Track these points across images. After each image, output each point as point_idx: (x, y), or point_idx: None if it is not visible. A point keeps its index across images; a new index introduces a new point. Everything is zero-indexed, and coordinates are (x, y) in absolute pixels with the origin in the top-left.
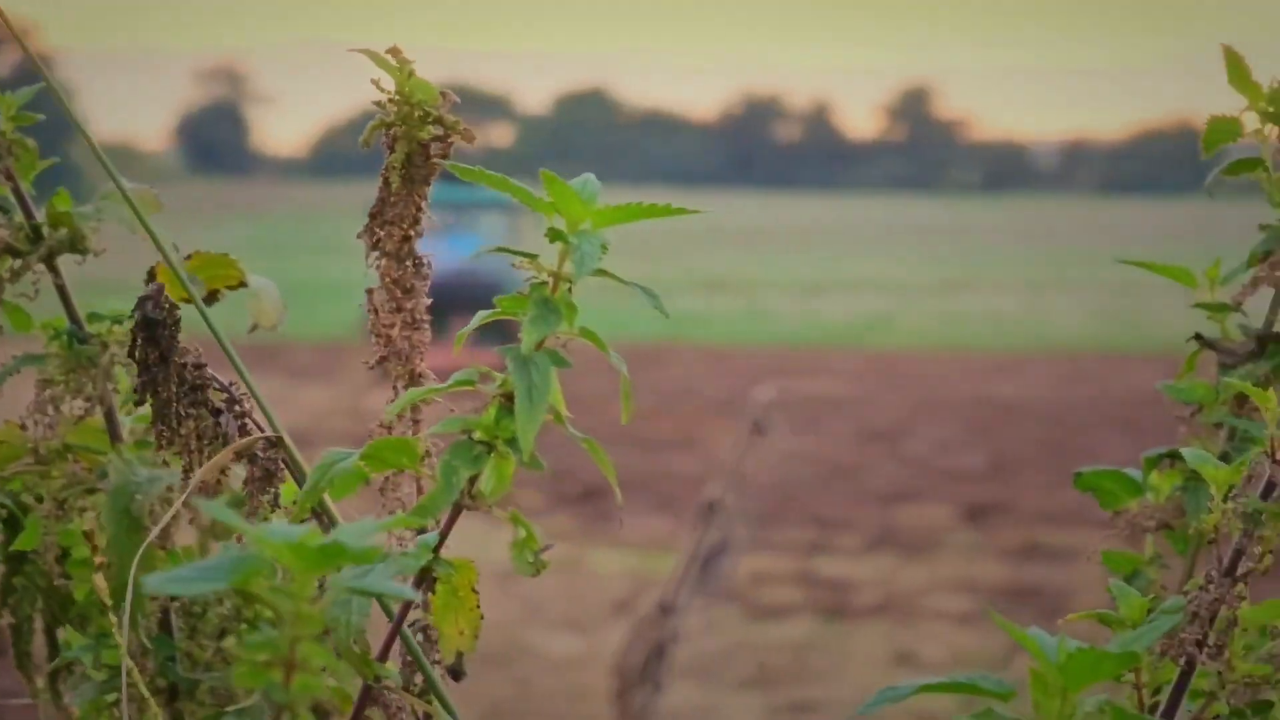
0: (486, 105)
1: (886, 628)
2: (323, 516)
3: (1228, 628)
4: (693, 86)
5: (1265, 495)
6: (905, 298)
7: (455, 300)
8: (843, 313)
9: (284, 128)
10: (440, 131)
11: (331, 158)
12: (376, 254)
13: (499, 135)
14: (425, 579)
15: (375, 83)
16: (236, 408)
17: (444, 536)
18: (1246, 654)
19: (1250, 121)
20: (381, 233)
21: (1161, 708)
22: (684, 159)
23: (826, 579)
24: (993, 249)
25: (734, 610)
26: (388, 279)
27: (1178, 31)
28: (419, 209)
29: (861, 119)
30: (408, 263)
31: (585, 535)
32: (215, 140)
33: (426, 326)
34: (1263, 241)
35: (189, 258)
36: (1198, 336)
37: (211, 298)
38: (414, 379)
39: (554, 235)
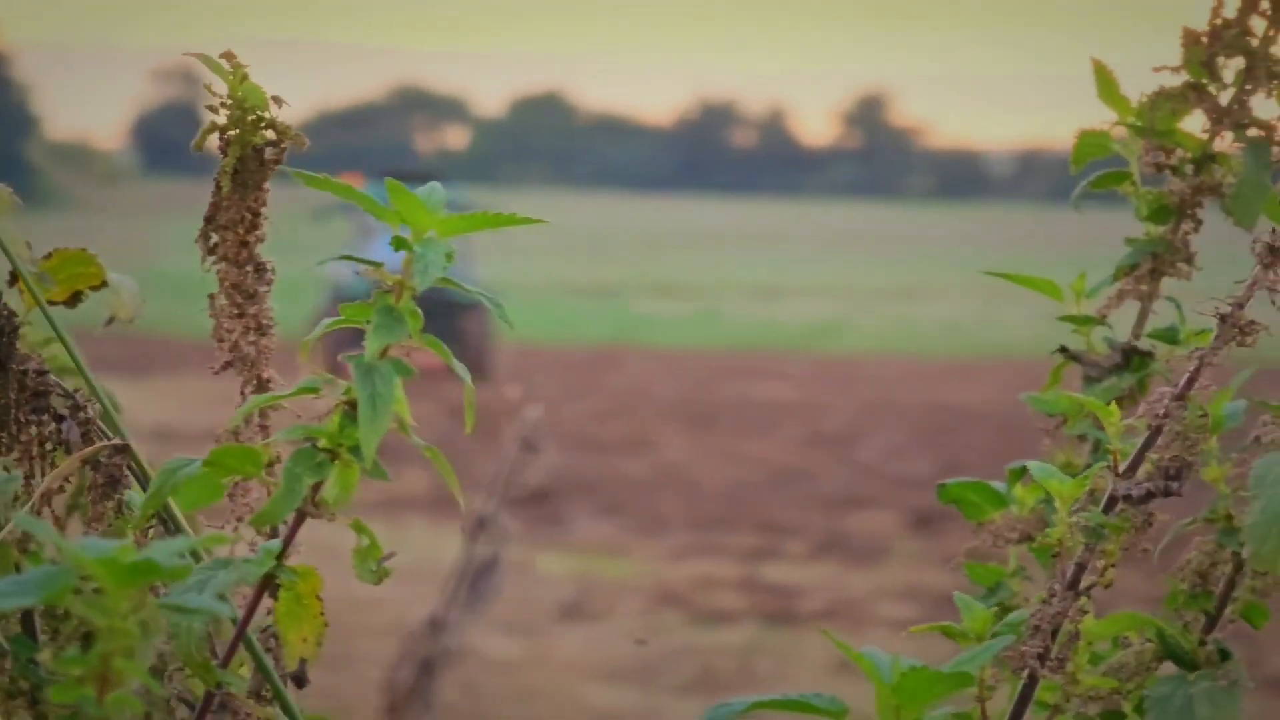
0: (441, 107)
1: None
2: (169, 524)
3: (1070, 641)
4: (649, 90)
5: (1108, 509)
6: (859, 303)
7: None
8: (797, 317)
9: None
10: (273, 136)
11: (286, 158)
12: (214, 259)
13: (454, 137)
14: (269, 586)
15: (207, 87)
16: (80, 414)
17: (287, 543)
18: (1095, 666)
19: (1119, 134)
20: (217, 237)
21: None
22: (640, 163)
23: (772, 585)
24: (947, 256)
25: (678, 615)
26: (227, 284)
27: (1134, 39)
28: (255, 214)
29: (817, 125)
30: (248, 267)
31: (532, 538)
32: (170, 140)
33: (273, 331)
34: (1128, 255)
35: (48, 256)
36: (1062, 349)
37: (75, 298)
38: (261, 385)
39: (398, 244)
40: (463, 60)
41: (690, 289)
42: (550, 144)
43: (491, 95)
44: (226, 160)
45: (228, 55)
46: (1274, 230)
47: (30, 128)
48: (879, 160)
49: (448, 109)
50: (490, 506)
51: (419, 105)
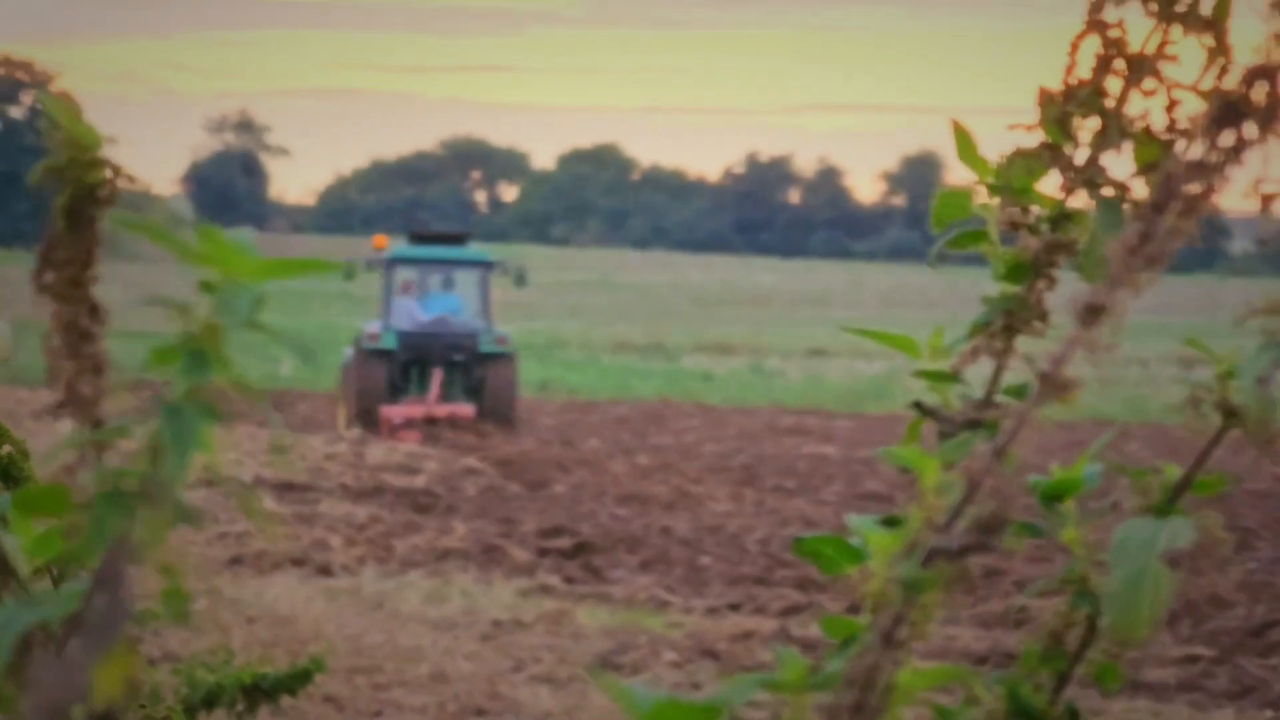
0: (498, 160)
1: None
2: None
3: (884, 694)
4: (703, 147)
5: (925, 563)
6: (907, 364)
7: (431, 351)
8: (844, 377)
9: (294, 177)
10: (107, 175)
11: (339, 209)
12: (47, 297)
13: (508, 190)
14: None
15: (47, 127)
16: None
17: (99, 584)
18: None
19: (978, 194)
20: (51, 276)
21: None
22: (692, 220)
23: (810, 640)
24: None
25: (715, 669)
26: (61, 323)
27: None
28: (89, 252)
29: (868, 184)
30: (82, 307)
31: (572, 591)
32: (226, 188)
33: (108, 371)
34: (984, 313)
35: None
36: (917, 404)
37: None
38: (97, 426)
39: (206, 287)
40: (519, 113)
41: (742, 347)
42: (604, 200)
43: (547, 148)
44: (59, 199)
45: (64, 95)
46: (1094, 289)
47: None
48: (929, 221)
49: (504, 163)
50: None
51: (475, 159)
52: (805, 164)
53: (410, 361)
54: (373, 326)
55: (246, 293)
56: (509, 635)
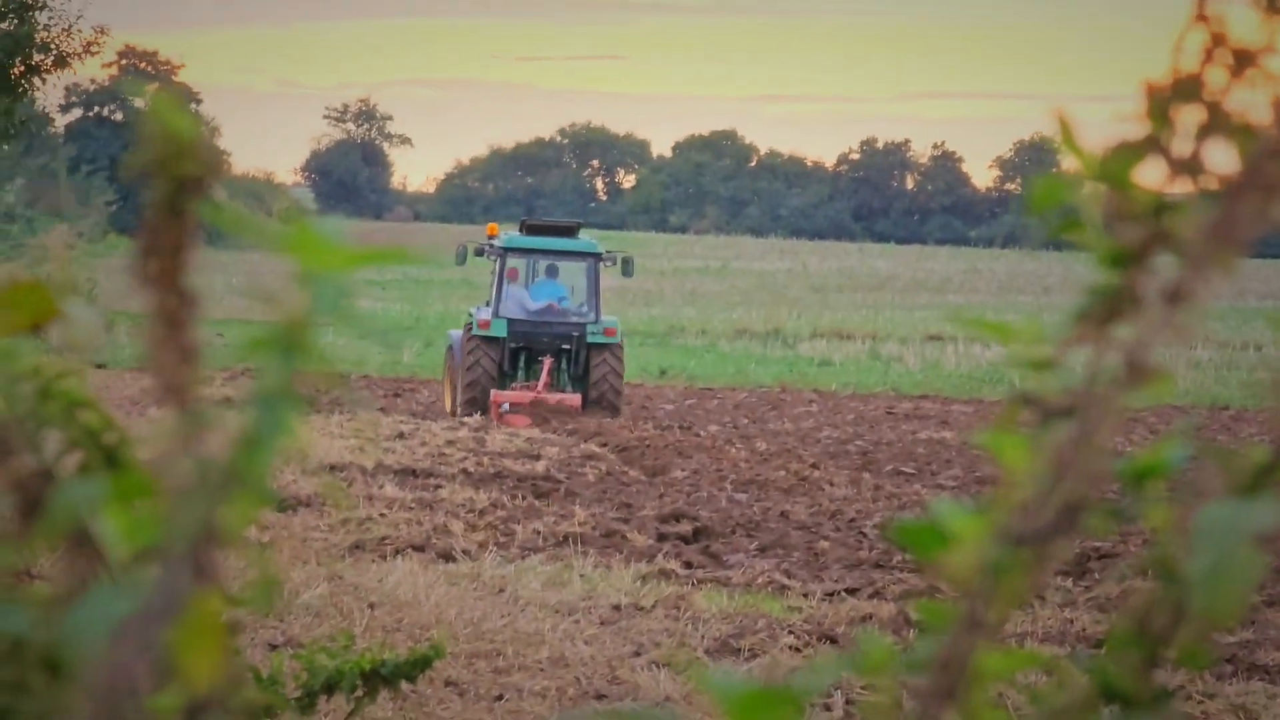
0: (615, 147)
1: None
2: (84, 545)
3: (971, 677)
4: (819, 134)
5: (1010, 547)
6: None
7: (540, 340)
8: (964, 362)
9: (415, 166)
10: (200, 168)
11: (459, 197)
12: (145, 286)
13: (626, 178)
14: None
15: (147, 117)
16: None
17: (166, 568)
18: (1035, 706)
19: (1080, 183)
20: (149, 266)
21: None
22: (810, 206)
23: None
24: None
25: (833, 651)
26: (158, 312)
27: None
28: (184, 242)
29: (984, 171)
30: (176, 295)
31: (691, 575)
32: (347, 177)
33: (200, 358)
34: (1086, 301)
35: (9, 287)
36: (1016, 391)
37: (34, 329)
38: (190, 413)
39: (297, 278)
40: (638, 101)
41: (856, 333)
42: (722, 187)
43: (665, 137)
44: (156, 190)
45: (154, 85)
46: (1178, 273)
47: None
48: (1070, 213)
49: (622, 150)
50: None
51: (594, 146)
52: (921, 150)
53: (519, 349)
54: (483, 313)
55: (335, 282)
56: (628, 620)
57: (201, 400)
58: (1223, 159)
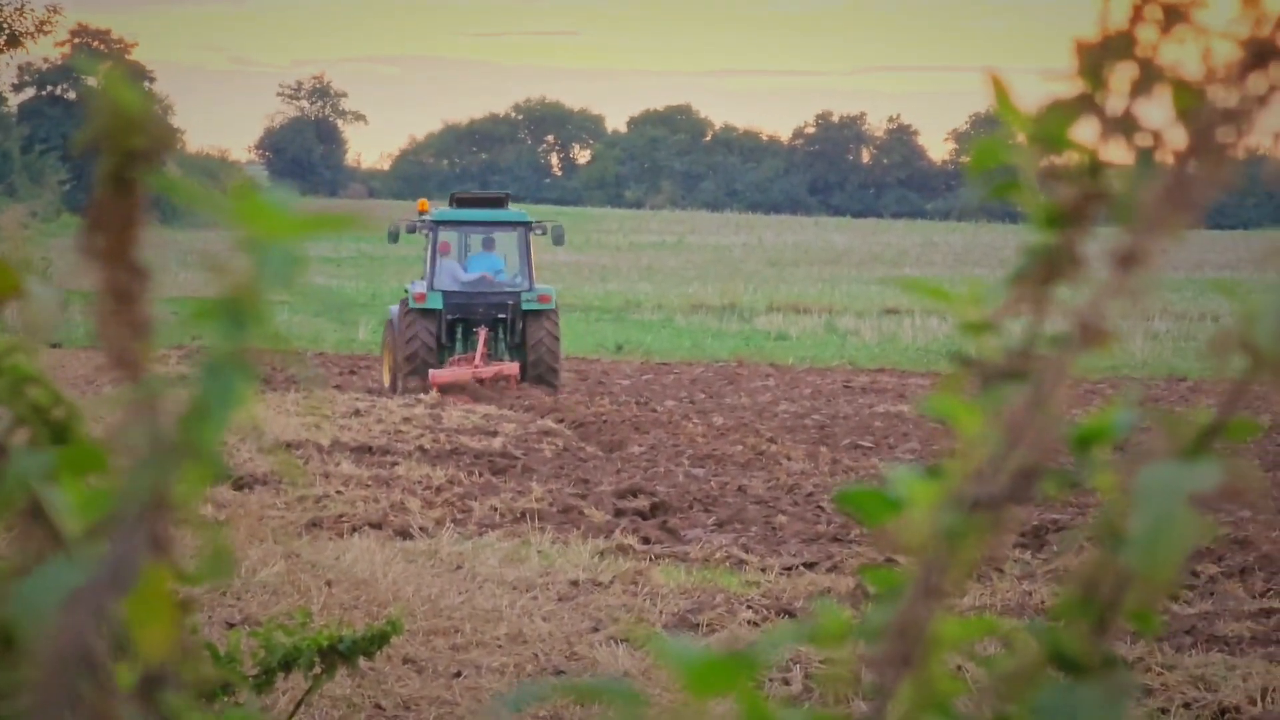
0: (570, 122)
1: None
2: (36, 518)
3: (926, 644)
4: (775, 108)
5: (964, 512)
6: None
7: (475, 310)
8: (917, 337)
9: (369, 143)
10: (149, 141)
11: (414, 174)
12: (95, 261)
13: (582, 153)
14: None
15: (95, 91)
16: None
17: (117, 538)
18: (986, 671)
19: (1016, 144)
20: (97, 240)
21: (859, 716)
22: (766, 180)
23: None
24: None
25: (788, 625)
26: (107, 286)
27: None
28: (133, 217)
29: (939, 144)
30: (126, 270)
31: (649, 550)
32: (302, 154)
33: (151, 332)
34: (1023, 262)
35: None
36: (957, 355)
37: None
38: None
39: (246, 247)
40: (592, 76)
41: (813, 307)
42: (677, 162)
43: (620, 112)
44: (103, 163)
45: (107, 62)
46: (1129, 237)
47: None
48: (999, 179)
49: (577, 126)
50: None
51: (549, 122)
52: (876, 124)
53: (455, 320)
54: (418, 287)
55: (284, 250)
56: (586, 595)
57: (153, 374)
58: (1156, 116)
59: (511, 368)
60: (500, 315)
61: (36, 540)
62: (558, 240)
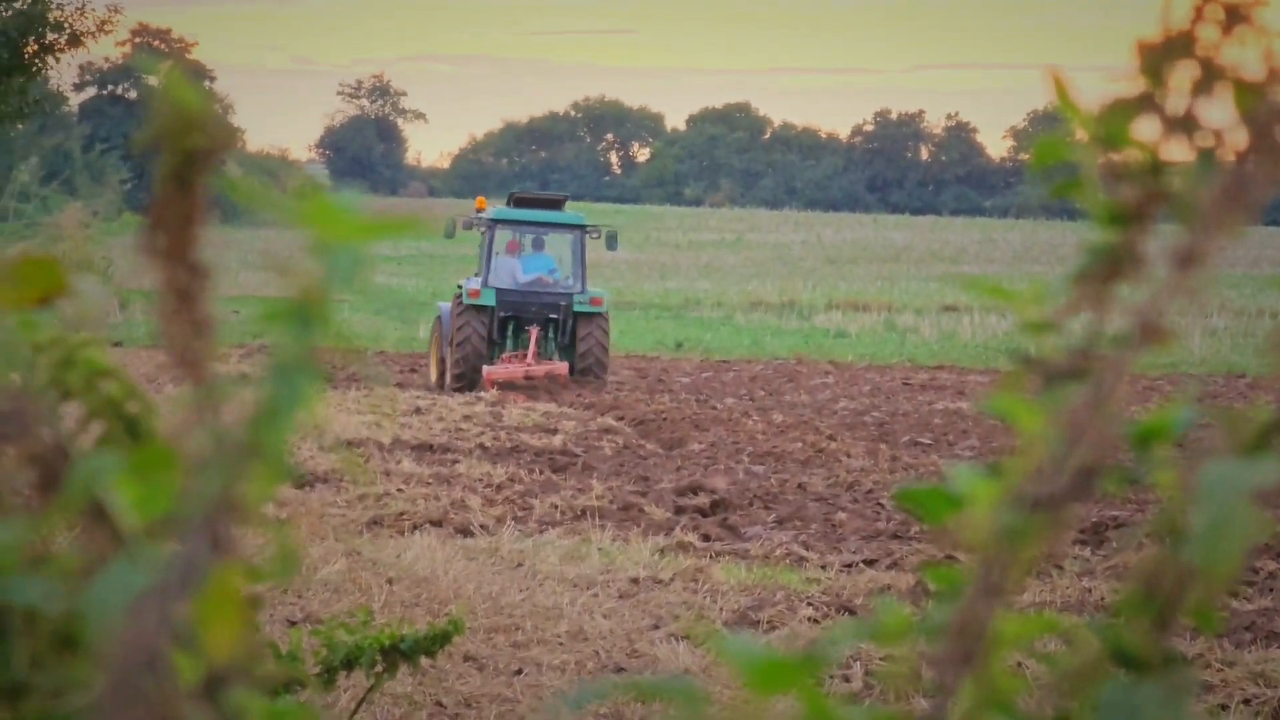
0: (630, 120)
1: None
2: (100, 518)
3: (987, 642)
4: (833, 105)
5: (1025, 512)
6: None
7: (528, 309)
8: (979, 332)
9: (430, 142)
10: (209, 141)
11: (473, 172)
12: (156, 261)
13: (641, 151)
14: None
15: (156, 91)
16: (19, 412)
17: (184, 540)
18: (1049, 670)
19: (1077, 143)
20: (158, 240)
21: (921, 714)
22: (825, 177)
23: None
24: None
25: (849, 623)
26: (168, 286)
27: None
28: (193, 216)
29: (998, 141)
30: (187, 270)
31: (709, 548)
32: (362, 153)
33: (213, 332)
34: (1085, 262)
35: (19, 263)
36: (1018, 354)
37: (42, 303)
38: (206, 387)
39: (312, 249)
40: (651, 75)
41: (872, 305)
42: (736, 159)
43: (679, 110)
44: (164, 163)
45: (167, 62)
46: (1188, 236)
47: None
48: (1058, 178)
49: (637, 124)
50: None
51: (608, 120)
52: (935, 121)
53: (507, 318)
54: (472, 284)
55: (350, 253)
56: (647, 593)
57: (217, 374)
58: (1217, 115)
59: (561, 367)
60: (552, 315)
61: (100, 541)
62: (611, 245)
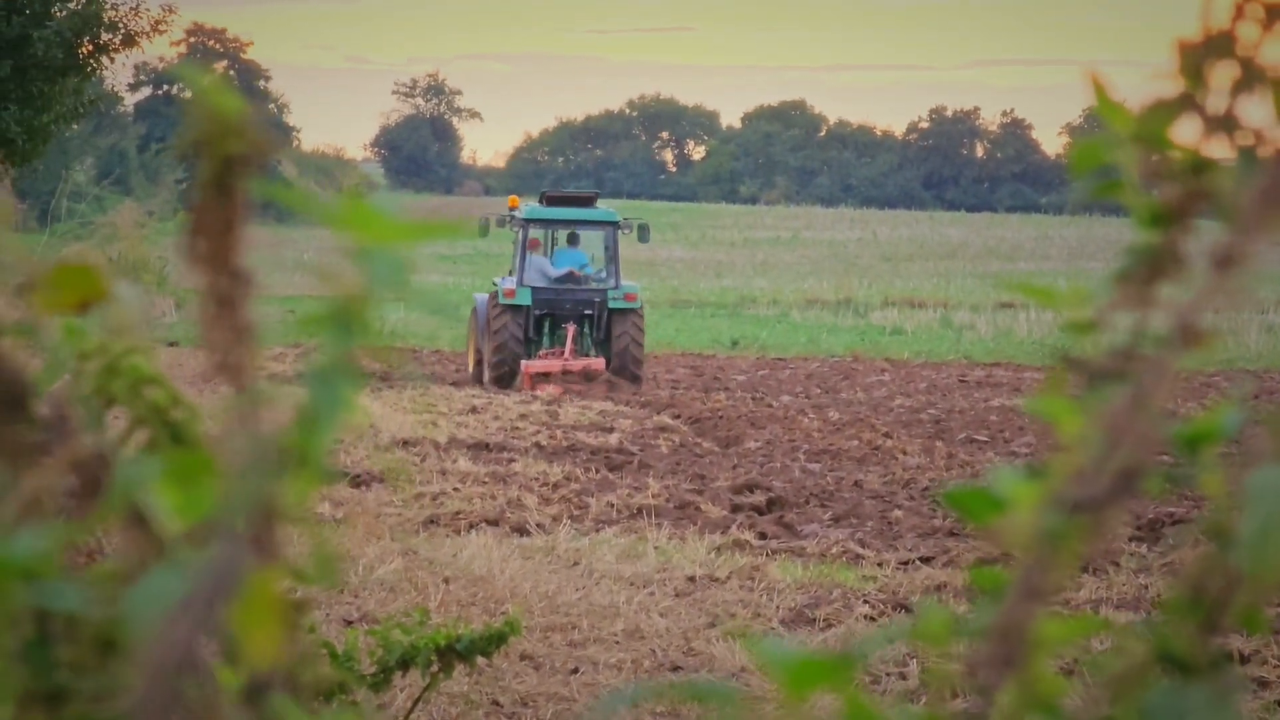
0: (685, 118)
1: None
2: (141, 524)
3: (1029, 644)
4: (888, 102)
5: (1065, 514)
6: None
7: (563, 306)
8: (1035, 329)
9: (485, 141)
10: (247, 147)
11: (528, 171)
12: (197, 266)
13: (696, 149)
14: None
15: (193, 98)
16: (62, 419)
17: (220, 543)
18: (1096, 674)
19: (1117, 144)
20: (199, 245)
21: (963, 715)
22: (880, 175)
23: None
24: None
25: (908, 620)
26: (209, 291)
27: None
28: (234, 221)
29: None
30: (228, 274)
31: (765, 546)
32: (417, 152)
33: (255, 337)
34: (1127, 262)
35: (59, 269)
36: (1061, 355)
37: (82, 309)
38: (248, 391)
39: (353, 253)
40: (706, 72)
41: (928, 302)
42: (791, 157)
43: (734, 108)
44: (203, 169)
45: (205, 67)
46: (1228, 237)
47: (284, 140)
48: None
49: (692, 122)
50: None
51: (663, 118)
52: (990, 118)
53: (543, 316)
54: (508, 283)
55: (392, 256)
56: (703, 591)
57: (259, 378)
58: (1257, 115)
59: (598, 363)
60: (587, 312)
61: (141, 546)
62: (643, 238)
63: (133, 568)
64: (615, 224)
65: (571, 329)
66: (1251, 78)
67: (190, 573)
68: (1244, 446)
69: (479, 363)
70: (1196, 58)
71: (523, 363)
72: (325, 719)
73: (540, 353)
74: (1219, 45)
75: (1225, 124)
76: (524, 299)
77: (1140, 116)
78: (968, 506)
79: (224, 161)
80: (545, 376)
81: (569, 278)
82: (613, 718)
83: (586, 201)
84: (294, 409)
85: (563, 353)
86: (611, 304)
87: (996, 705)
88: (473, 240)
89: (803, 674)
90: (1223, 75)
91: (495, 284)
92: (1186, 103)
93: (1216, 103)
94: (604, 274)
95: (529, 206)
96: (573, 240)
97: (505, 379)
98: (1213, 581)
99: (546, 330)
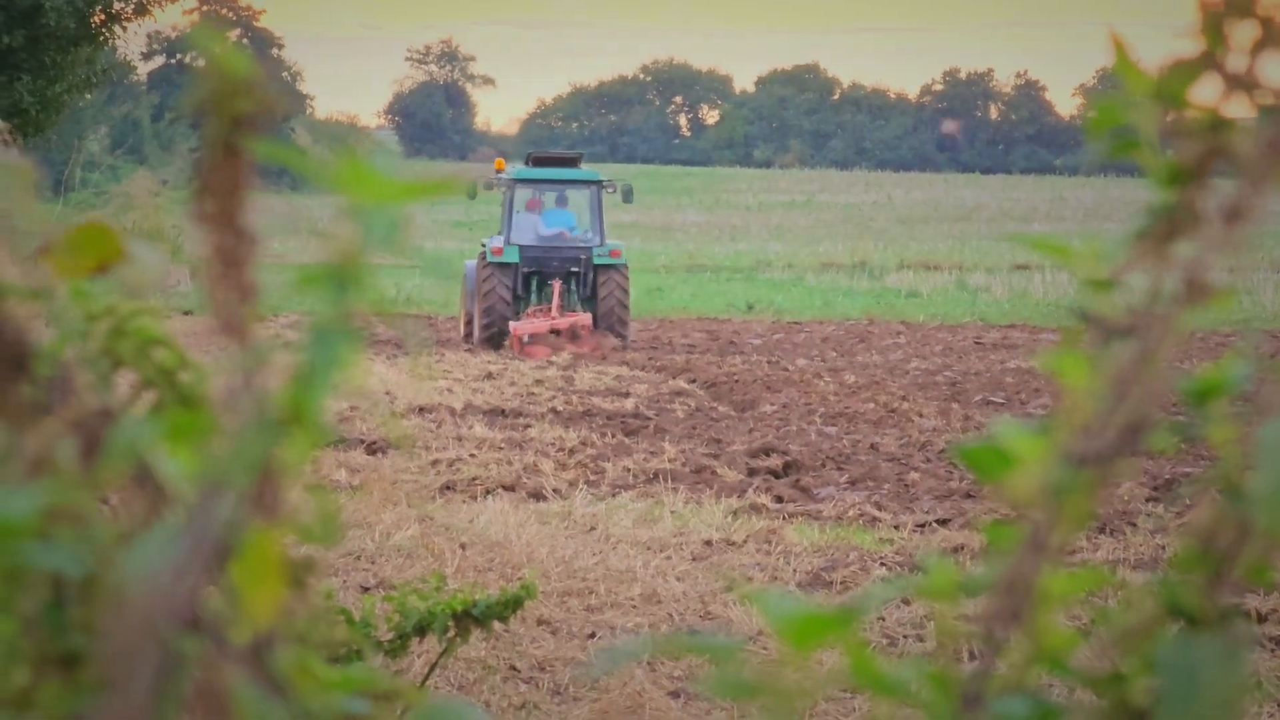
0: (699, 83)
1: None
2: (147, 482)
3: (1035, 599)
4: (902, 65)
5: (1072, 468)
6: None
7: (550, 264)
8: (1051, 291)
9: (499, 107)
10: (255, 107)
11: (542, 137)
12: (203, 225)
13: (710, 113)
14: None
15: (198, 56)
16: (65, 379)
17: (201, 500)
18: (1103, 627)
19: (1136, 103)
20: (206, 204)
21: (970, 670)
22: (894, 138)
23: None
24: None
25: (894, 580)
26: (215, 251)
27: None
28: (240, 181)
29: (1067, 98)
30: (233, 234)
31: (782, 509)
32: (431, 119)
33: (259, 297)
34: (1145, 220)
35: (75, 231)
36: (1077, 312)
37: (100, 271)
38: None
39: (349, 212)
40: (719, 36)
41: (943, 264)
42: (806, 121)
43: (748, 72)
44: (210, 128)
45: (211, 26)
46: (1234, 191)
47: (297, 108)
48: (1127, 134)
49: (706, 86)
50: None
51: (677, 83)
52: (1004, 80)
53: (530, 274)
54: (495, 242)
55: (386, 215)
56: (720, 555)
57: (259, 339)
58: (1278, 74)
59: (585, 319)
60: (573, 269)
61: (143, 505)
62: (627, 198)
63: (137, 527)
64: (599, 184)
65: (558, 285)
66: (1272, 37)
67: (186, 530)
68: (1256, 401)
69: (469, 323)
70: (1217, 17)
71: (511, 324)
72: (341, 673)
73: (528, 310)
74: (1239, 5)
75: (1245, 83)
76: (512, 256)
77: (1159, 75)
78: (979, 462)
79: (232, 121)
80: (533, 339)
81: (556, 236)
82: (622, 669)
83: (571, 162)
84: (291, 369)
85: (550, 310)
86: (596, 260)
87: (1002, 659)
88: (463, 202)
89: (806, 627)
90: (1243, 35)
91: (483, 244)
92: (1207, 62)
93: (1237, 62)
94: (589, 232)
95: (515, 168)
96: (561, 202)
97: (495, 339)
98: (1223, 535)
99: (534, 288)
